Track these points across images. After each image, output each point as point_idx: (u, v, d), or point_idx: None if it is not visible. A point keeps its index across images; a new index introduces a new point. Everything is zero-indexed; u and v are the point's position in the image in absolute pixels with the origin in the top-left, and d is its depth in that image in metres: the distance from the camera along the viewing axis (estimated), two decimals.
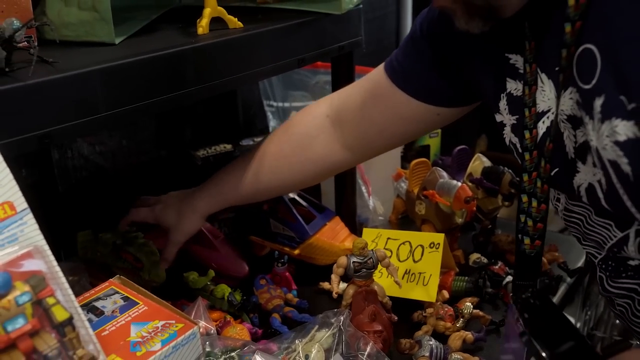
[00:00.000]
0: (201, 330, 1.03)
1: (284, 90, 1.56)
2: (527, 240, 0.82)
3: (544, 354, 0.70)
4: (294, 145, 1.11)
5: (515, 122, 0.85)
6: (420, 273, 1.13)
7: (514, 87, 0.83)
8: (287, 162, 1.11)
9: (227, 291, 1.12)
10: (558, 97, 0.74)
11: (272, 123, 1.59)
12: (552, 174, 0.79)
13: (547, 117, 0.78)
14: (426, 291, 1.11)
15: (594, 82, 0.66)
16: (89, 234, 1.21)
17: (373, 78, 1.04)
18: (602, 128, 0.65)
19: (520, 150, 0.84)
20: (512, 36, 0.81)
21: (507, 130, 0.87)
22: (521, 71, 0.81)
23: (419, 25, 0.97)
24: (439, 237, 1.14)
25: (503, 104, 0.86)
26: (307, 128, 1.11)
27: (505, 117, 0.86)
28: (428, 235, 1.17)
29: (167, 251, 1.14)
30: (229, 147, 1.40)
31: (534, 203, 0.80)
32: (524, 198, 0.81)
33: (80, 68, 0.74)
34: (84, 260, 1.19)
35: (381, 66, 1.03)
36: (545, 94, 0.78)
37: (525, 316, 0.74)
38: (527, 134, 0.79)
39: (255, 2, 1.11)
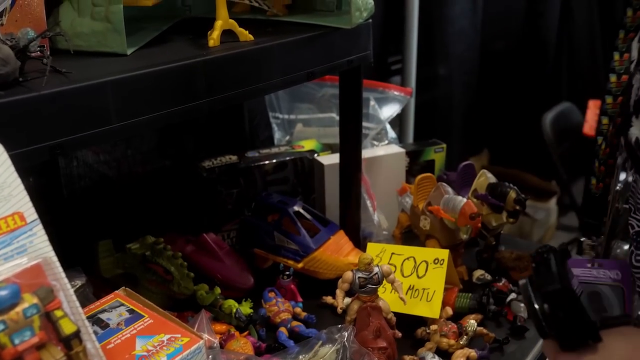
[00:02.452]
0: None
1: (289, 103, 1.56)
2: (593, 181, 0.85)
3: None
4: None
5: None
6: (424, 289, 1.13)
7: None
8: None
9: (235, 307, 1.12)
10: None
11: (277, 135, 1.59)
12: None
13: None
14: (430, 307, 1.10)
15: None
16: (109, 244, 1.21)
17: None
18: None
19: None
20: None
21: None
22: None
23: None
24: (444, 253, 1.14)
25: None
26: None
27: None
28: (432, 251, 1.17)
29: None
30: (234, 158, 1.40)
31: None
32: (599, 140, 0.83)
33: (93, 79, 0.74)
34: (103, 271, 1.19)
35: None
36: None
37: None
38: (612, 78, 0.81)
39: (265, 15, 1.11)
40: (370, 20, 1.15)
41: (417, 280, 1.14)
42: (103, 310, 0.81)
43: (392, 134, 1.57)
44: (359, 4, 1.07)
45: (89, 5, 0.86)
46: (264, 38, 0.99)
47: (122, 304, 0.82)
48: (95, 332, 0.75)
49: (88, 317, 0.78)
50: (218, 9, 0.94)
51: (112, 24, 0.85)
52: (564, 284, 0.74)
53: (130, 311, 0.80)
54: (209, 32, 0.95)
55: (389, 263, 1.18)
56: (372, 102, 1.52)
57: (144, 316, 0.79)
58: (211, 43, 0.93)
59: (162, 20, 1.06)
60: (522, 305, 1.17)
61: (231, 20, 0.96)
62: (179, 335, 0.76)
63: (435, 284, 1.12)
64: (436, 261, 1.15)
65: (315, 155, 1.44)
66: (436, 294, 1.11)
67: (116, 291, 0.85)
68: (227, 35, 0.96)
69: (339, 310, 1.00)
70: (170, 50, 0.94)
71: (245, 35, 0.97)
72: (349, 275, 0.99)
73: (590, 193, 0.86)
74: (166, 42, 0.97)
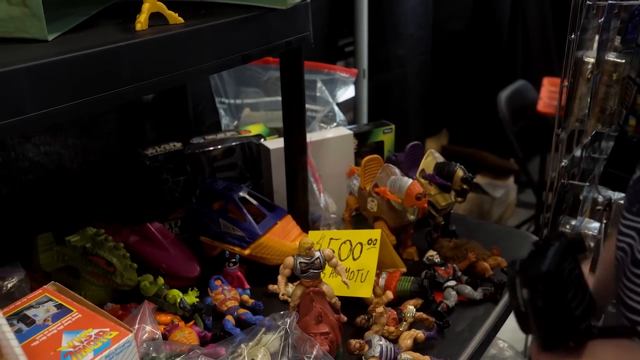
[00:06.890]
0: (147, 335, 1.01)
1: (235, 87, 1.53)
2: (632, 122, 0.69)
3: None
4: None
5: None
6: (359, 270, 1.12)
7: None
8: None
9: (179, 297, 1.10)
10: None
11: (224, 120, 1.56)
12: None
13: None
14: (362, 287, 1.09)
15: None
16: (50, 237, 1.17)
17: None
18: None
19: None
20: None
21: None
22: None
23: None
24: (376, 234, 1.13)
25: None
26: None
27: None
28: (366, 232, 1.16)
29: None
30: (178, 145, 1.37)
31: None
32: None
33: (5, 66, 0.70)
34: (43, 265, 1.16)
35: None
36: None
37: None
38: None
39: None
40: (309, 1, 1.12)
41: (352, 263, 1.13)
42: (30, 307, 0.78)
43: (340, 116, 1.55)
44: None
45: None
46: (196, 20, 0.96)
47: (50, 299, 0.79)
48: (19, 330, 0.73)
49: (13, 314, 0.76)
50: None
51: (29, 9, 0.81)
52: (550, 269, 0.62)
53: (59, 306, 0.78)
54: (138, 15, 0.92)
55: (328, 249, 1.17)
56: (319, 84, 1.50)
57: (72, 311, 0.77)
58: (138, 27, 0.90)
59: (93, 5, 1.02)
60: (454, 293, 1.16)
61: (159, 3, 0.93)
62: (108, 330, 0.74)
63: (368, 264, 1.11)
64: (370, 242, 1.14)
65: (262, 139, 1.42)
66: (369, 274, 1.09)
67: (45, 286, 0.82)
68: (157, 18, 0.93)
69: (282, 297, 0.99)
70: (95, 35, 0.90)
71: (174, 17, 0.94)
72: (289, 260, 0.97)
73: (624, 137, 0.69)
74: (93, 27, 0.93)
